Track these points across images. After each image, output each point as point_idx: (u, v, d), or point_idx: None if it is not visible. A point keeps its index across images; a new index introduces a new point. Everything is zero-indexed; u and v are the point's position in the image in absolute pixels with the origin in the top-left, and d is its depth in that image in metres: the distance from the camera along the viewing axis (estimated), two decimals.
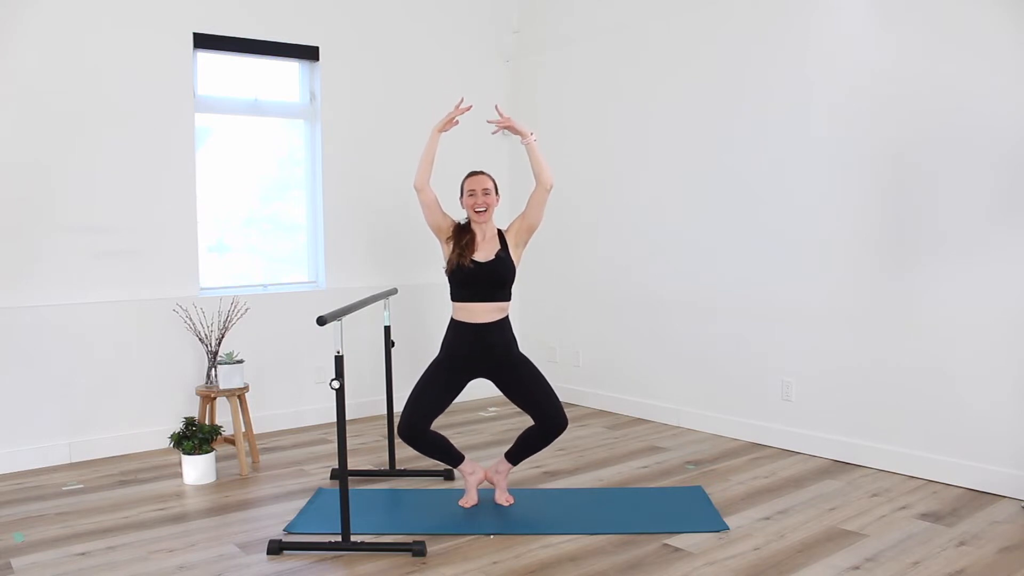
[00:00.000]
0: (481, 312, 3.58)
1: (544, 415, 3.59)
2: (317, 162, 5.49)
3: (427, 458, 4.56)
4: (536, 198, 3.61)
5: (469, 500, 3.73)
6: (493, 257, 3.59)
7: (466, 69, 6.12)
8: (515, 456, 3.72)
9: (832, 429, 4.42)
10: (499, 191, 3.71)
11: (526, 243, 3.71)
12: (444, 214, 3.67)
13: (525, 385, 3.61)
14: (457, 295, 3.63)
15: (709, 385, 5.05)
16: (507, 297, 3.65)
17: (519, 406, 3.68)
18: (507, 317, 3.66)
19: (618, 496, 3.92)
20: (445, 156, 5.91)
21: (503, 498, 3.75)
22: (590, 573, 3.03)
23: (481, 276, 3.57)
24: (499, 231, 3.68)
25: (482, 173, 3.67)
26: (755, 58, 4.70)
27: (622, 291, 5.57)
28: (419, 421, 3.55)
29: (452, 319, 3.69)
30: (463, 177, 3.70)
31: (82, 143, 4.58)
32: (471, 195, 3.63)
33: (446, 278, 3.65)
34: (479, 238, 3.62)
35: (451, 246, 3.62)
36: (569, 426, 5.17)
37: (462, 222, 3.69)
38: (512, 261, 3.62)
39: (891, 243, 4.14)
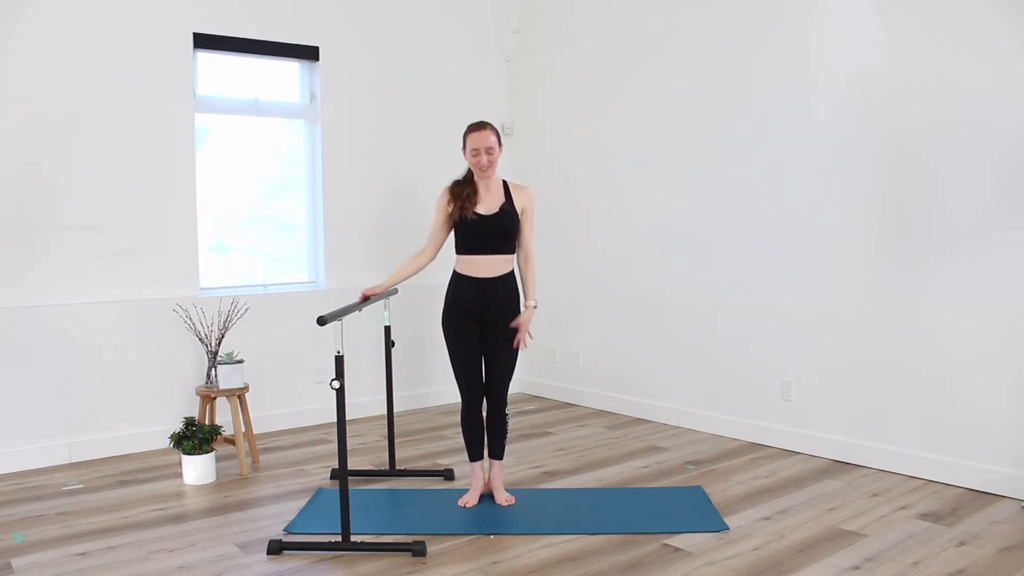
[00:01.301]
0: (485, 266, 3.56)
1: (493, 384, 3.65)
2: (317, 162, 5.49)
3: (428, 458, 4.58)
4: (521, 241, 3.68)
5: (469, 501, 3.73)
6: (497, 210, 3.56)
7: (466, 69, 6.12)
8: (494, 450, 3.75)
9: (832, 429, 4.42)
10: (502, 142, 3.63)
11: None
12: (444, 224, 3.64)
13: (499, 352, 3.63)
14: (461, 248, 3.60)
15: (709, 385, 5.05)
16: (512, 249, 3.63)
17: (483, 361, 3.69)
18: (512, 272, 3.64)
19: (618, 496, 3.92)
20: (442, 139, 5.93)
21: (502, 498, 3.74)
22: (590, 573, 3.03)
23: (485, 228, 3.54)
24: (504, 182, 3.64)
25: (484, 128, 3.56)
26: (756, 57, 4.70)
27: (622, 291, 5.57)
28: (475, 406, 3.69)
29: (455, 271, 3.64)
30: (466, 129, 3.62)
31: (82, 143, 4.58)
32: (475, 154, 3.55)
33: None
34: (482, 189, 3.59)
35: (453, 206, 3.58)
36: (569, 426, 5.24)
37: (459, 179, 3.66)
38: (517, 214, 3.60)
39: (891, 243, 4.14)
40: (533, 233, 3.68)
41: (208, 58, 5.09)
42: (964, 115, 3.84)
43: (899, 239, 4.10)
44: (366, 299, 3.68)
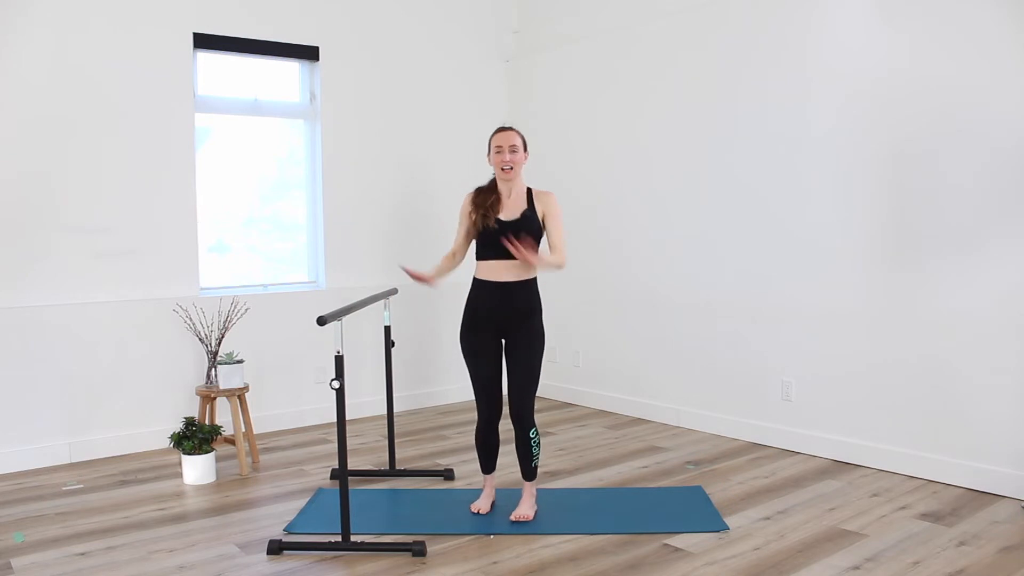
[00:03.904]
0: (504, 271, 3.47)
1: (513, 400, 3.52)
2: (317, 162, 5.49)
3: (428, 458, 4.57)
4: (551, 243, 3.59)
5: (482, 507, 3.65)
6: (519, 216, 3.49)
7: (466, 69, 6.13)
8: (523, 472, 3.59)
9: (832, 429, 4.42)
10: (528, 147, 3.58)
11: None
12: (469, 232, 3.57)
13: (519, 363, 3.50)
14: (481, 254, 3.54)
15: (709, 385, 5.05)
16: None
17: (507, 373, 3.59)
18: (534, 280, 3.52)
19: (618, 496, 3.92)
20: (442, 139, 5.91)
21: (518, 513, 3.56)
22: (590, 573, 3.03)
23: (505, 234, 3.45)
24: (529, 189, 3.58)
25: (510, 129, 3.56)
26: (756, 57, 4.70)
27: (622, 291, 5.57)
28: (490, 424, 3.59)
29: (474, 278, 3.56)
30: (491, 133, 3.60)
31: (82, 143, 4.58)
32: (498, 152, 3.51)
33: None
34: (504, 196, 3.53)
35: (476, 215, 3.52)
36: (569, 426, 5.24)
37: (482, 186, 3.60)
38: (539, 220, 3.52)
39: (891, 243, 4.14)
40: (560, 234, 3.54)
41: (208, 58, 5.09)
42: (967, 113, 3.84)
43: (899, 239, 4.10)
44: (417, 277, 3.61)
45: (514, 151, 3.50)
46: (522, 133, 3.60)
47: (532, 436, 3.53)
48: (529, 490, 3.61)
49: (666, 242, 5.25)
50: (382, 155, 5.69)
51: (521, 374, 3.50)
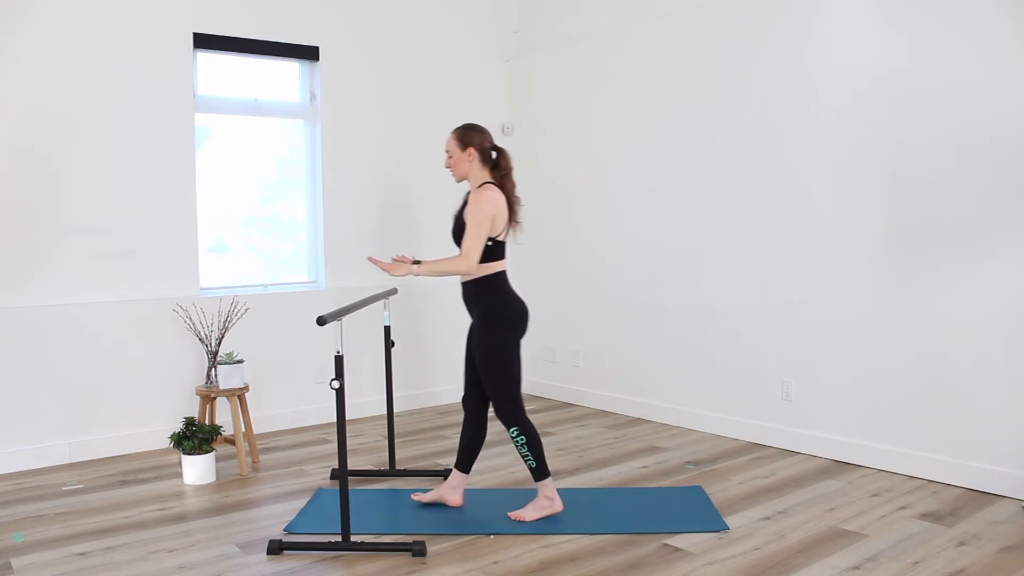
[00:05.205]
0: None
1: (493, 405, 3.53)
2: (317, 162, 5.49)
3: (427, 458, 4.57)
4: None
5: (420, 496, 3.74)
6: (458, 212, 3.54)
7: (466, 69, 6.13)
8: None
9: (832, 429, 4.42)
10: (468, 144, 3.46)
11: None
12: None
13: (480, 369, 3.50)
14: None
15: (709, 385, 5.05)
16: None
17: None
18: (477, 281, 3.44)
19: (618, 496, 3.92)
20: (441, 139, 5.92)
21: (521, 512, 3.55)
22: (590, 573, 3.03)
23: (454, 229, 3.53)
24: (481, 187, 3.48)
25: (451, 132, 3.54)
26: (756, 57, 4.70)
27: (622, 291, 5.57)
28: (465, 399, 3.66)
29: None
30: None
31: (82, 143, 4.58)
32: None
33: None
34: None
35: None
36: (569, 426, 5.24)
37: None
38: (463, 219, 3.44)
39: (891, 243, 4.13)
40: (469, 235, 3.37)
41: (208, 58, 5.09)
42: (970, 114, 3.83)
43: (899, 239, 4.10)
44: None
45: (449, 155, 3.54)
46: (463, 130, 3.51)
47: (513, 436, 3.48)
48: (540, 490, 3.55)
49: (666, 242, 5.25)
50: (382, 155, 5.69)
51: (482, 376, 3.51)
